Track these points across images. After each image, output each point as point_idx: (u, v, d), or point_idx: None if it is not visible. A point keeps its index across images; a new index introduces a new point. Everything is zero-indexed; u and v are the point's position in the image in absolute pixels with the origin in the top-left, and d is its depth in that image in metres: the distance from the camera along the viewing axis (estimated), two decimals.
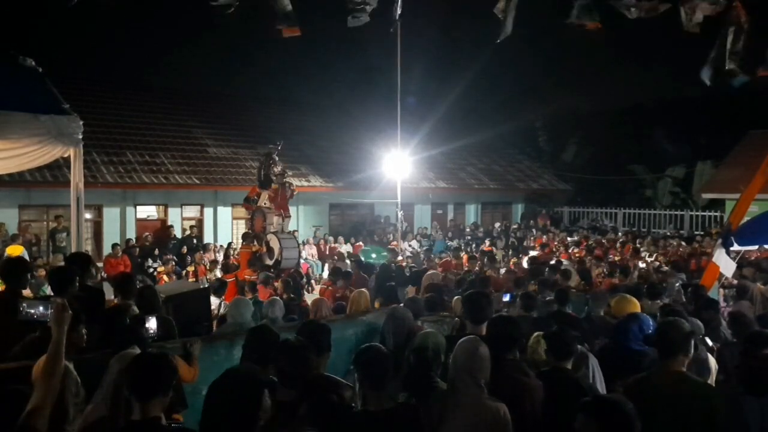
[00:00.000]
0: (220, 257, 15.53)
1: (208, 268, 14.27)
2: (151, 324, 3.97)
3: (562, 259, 13.60)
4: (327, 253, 18.00)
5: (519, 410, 3.39)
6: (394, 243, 17.84)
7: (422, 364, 3.70)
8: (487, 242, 19.27)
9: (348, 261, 14.28)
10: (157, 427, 2.68)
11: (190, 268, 14.56)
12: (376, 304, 7.09)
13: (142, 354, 3.09)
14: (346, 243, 18.91)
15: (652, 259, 14.19)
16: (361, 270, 10.44)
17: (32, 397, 2.75)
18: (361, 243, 18.74)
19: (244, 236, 13.53)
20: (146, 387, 2.71)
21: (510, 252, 18.22)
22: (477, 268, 11.65)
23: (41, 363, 3.42)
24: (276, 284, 8.94)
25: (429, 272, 9.40)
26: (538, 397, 3.55)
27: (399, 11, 6.00)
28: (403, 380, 3.65)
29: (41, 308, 3.17)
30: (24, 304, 3.22)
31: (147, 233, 16.71)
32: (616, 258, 14.34)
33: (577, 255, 15.07)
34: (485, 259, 12.59)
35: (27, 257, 12.64)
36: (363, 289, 7.04)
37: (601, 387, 4.01)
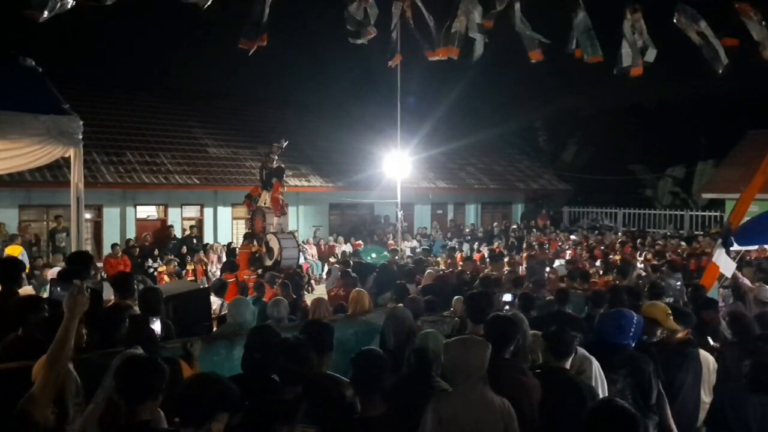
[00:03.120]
0: (224, 257, 15.51)
1: (207, 268, 14.27)
2: (156, 327, 3.97)
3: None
4: (327, 252, 18.01)
5: (517, 410, 3.38)
6: (359, 243, 17.85)
7: (423, 364, 3.70)
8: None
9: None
10: (146, 430, 2.67)
11: (189, 267, 14.55)
12: (390, 304, 7.05)
13: (131, 357, 3.07)
14: (346, 243, 18.91)
15: (642, 258, 14.17)
16: (349, 271, 10.41)
17: (36, 383, 2.74)
18: (360, 242, 18.71)
19: (246, 236, 13.55)
20: (134, 390, 2.70)
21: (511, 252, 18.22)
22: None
23: (42, 362, 3.43)
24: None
25: (427, 271, 9.40)
26: (536, 396, 3.56)
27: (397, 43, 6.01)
28: (404, 380, 3.65)
29: (59, 289, 3.17)
30: (52, 287, 3.24)
31: (146, 233, 16.71)
32: (617, 258, 14.32)
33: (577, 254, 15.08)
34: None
35: (27, 257, 12.66)
36: (362, 289, 7.03)
37: (602, 389, 4.00)
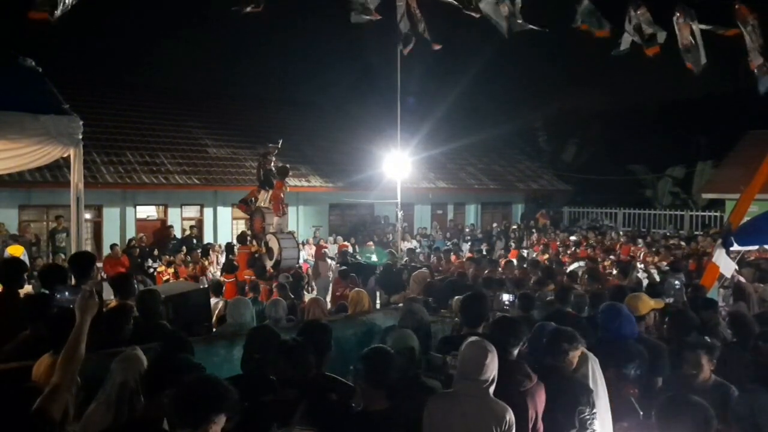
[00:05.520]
0: (223, 258, 15.48)
1: (208, 267, 14.23)
2: None
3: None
4: (316, 252, 17.92)
5: (521, 412, 3.38)
6: (345, 245, 17.75)
7: (410, 363, 3.71)
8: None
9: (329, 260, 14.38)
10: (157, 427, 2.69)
11: (188, 267, 14.49)
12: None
13: (164, 353, 3.11)
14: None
15: (651, 259, 14.17)
16: (348, 270, 10.45)
17: (50, 382, 2.80)
18: (346, 243, 18.60)
19: (240, 237, 13.54)
20: (154, 386, 2.75)
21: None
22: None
23: (42, 362, 3.44)
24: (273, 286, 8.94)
25: (417, 272, 9.38)
26: (540, 398, 3.54)
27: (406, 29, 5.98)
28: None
29: (67, 293, 3.22)
30: (57, 293, 3.29)
31: (142, 234, 16.70)
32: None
33: (579, 255, 15.06)
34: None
35: (27, 257, 12.66)
36: (362, 290, 7.04)
37: (601, 386, 4.00)
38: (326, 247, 17.80)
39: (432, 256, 15.05)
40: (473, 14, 5.78)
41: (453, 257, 14.09)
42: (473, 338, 3.47)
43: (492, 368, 3.27)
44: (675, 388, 3.95)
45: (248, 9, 5.22)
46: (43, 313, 3.99)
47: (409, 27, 5.97)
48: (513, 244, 19.71)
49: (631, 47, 6.23)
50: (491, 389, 3.27)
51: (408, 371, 3.66)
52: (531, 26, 5.98)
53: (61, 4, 4.49)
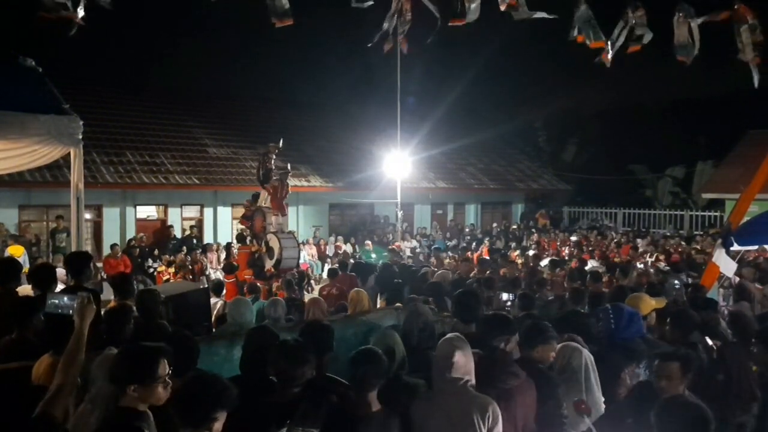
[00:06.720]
0: (223, 257, 15.49)
1: (206, 268, 14.23)
2: None
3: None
4: (327, 253, 18.00)
5: (509, 410, 3.36)
6: (369, 243, 17.83)
7: (391, 363, 3.70)
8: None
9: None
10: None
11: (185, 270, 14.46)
12: (381, 303, 7.05)
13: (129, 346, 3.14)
14: (345, 243, 18.91)
15: (653, 259, 14.18)
16: (347, 270, 10.41)
17: (51, 386, 2.83)
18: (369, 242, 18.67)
19: (239, 237, 13.53)
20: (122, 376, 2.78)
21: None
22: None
23: (42, 362, 3.44)
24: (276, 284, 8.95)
25: (440, 272, 9.37)
26: (530, 397, 3.51)
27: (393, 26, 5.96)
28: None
29: (66, 299, 3.23)
30: (51, 299, 3.31)
31: (142, 234, 16.71)
32: (616, 259, 14.34)
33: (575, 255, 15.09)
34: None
35: (27, 257, 12.66)
36: (362, 289, 7.01)
37: (594, 379, 3.97)
38: (341, 247, 17.85)
39: (453, 257, 15.06)
40: (458, 23, 5.78)
41: (468, 255, 14.21)
42: (446, 336, 3.45)
43: (463, 364, 3.23)
44: (640, 398, 3.74)
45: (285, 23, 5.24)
46: (31, 318, 4.00)
47: (394, 27, 5.97)
48: (511, 245, 19.72)
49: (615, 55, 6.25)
50: (470, 384, 3.25)
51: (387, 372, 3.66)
52: (539, 14, 5.96)
53: (76, 13, 4.49)
